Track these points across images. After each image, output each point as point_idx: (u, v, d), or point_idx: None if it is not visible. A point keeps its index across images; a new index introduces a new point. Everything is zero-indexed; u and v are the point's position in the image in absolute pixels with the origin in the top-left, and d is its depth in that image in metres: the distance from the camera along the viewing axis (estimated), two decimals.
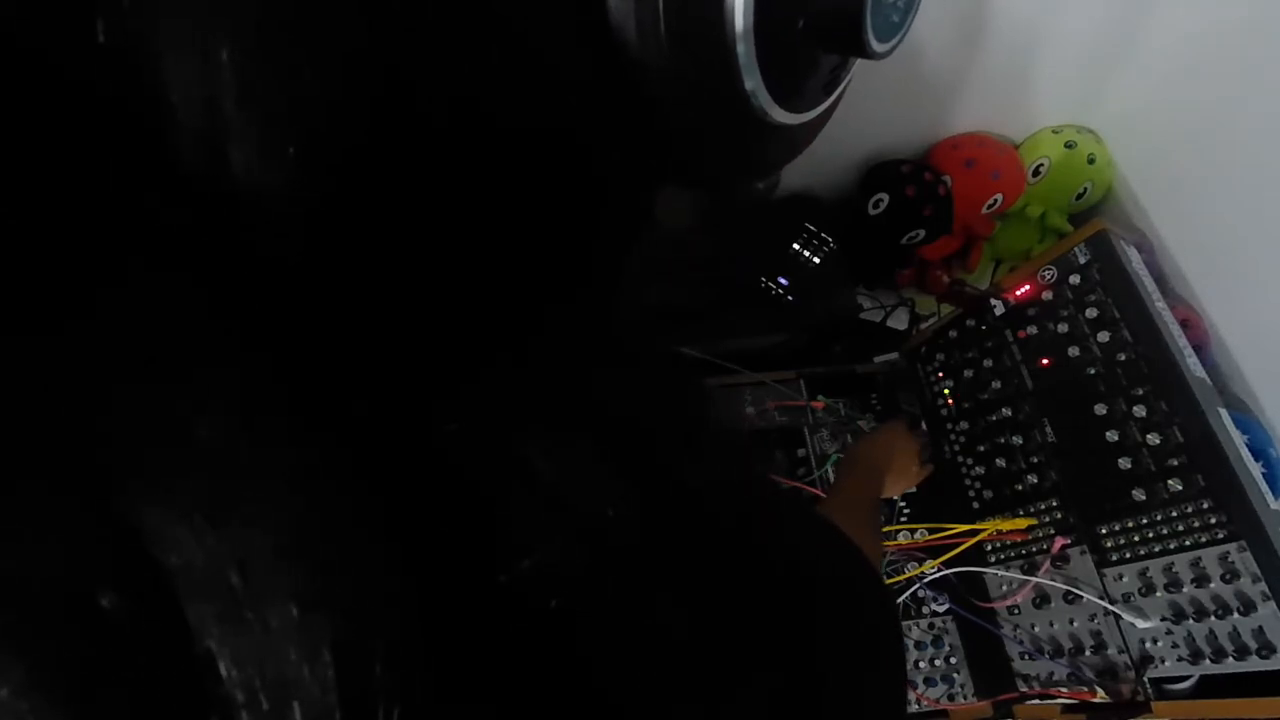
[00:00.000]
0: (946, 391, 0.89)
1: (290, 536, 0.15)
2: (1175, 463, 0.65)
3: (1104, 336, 0.72)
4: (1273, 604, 0.57)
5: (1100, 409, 0.71)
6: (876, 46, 0.24)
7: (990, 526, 0.79)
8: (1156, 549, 0.65)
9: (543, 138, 0.22)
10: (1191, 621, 0.62)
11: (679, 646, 0.22)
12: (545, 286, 0.24)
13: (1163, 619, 0.64)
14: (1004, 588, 0.78)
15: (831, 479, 0.87)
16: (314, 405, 0.17)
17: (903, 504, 0.85)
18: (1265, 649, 0.57)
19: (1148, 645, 0.65)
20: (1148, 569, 0.66)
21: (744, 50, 0.22)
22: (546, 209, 0.23)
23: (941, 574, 0.80)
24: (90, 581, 0.14)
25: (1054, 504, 0.75)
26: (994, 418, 0.82)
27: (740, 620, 0.25)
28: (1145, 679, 0.65)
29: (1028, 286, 0.80)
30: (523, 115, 0.21)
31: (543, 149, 0.22)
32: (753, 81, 0.23)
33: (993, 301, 0.83)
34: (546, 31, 0.21)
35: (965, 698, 0.77)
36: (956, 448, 0.87)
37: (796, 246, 0.93)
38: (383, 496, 0.17)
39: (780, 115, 0.24)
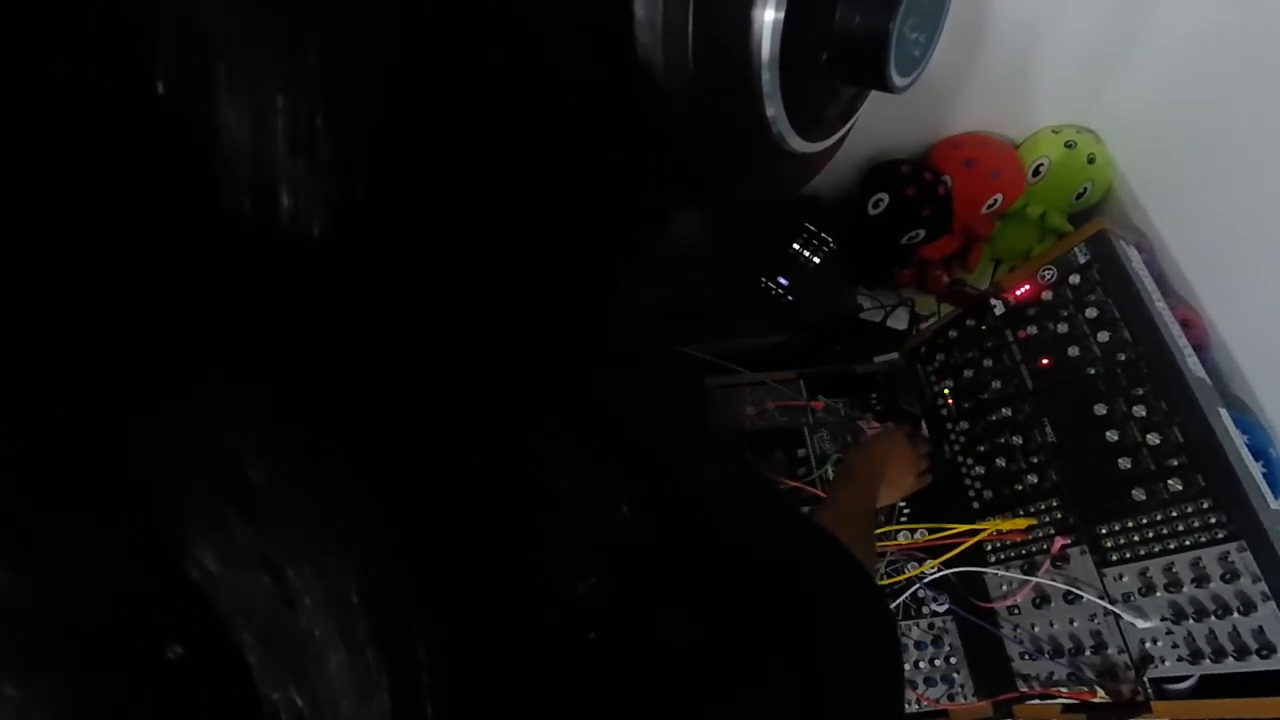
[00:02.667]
0: (946, 391, 0.89)
1: (345, 581, 0.15)
2: (1175, 463, 0.65)
3: (1104, 336, 0.72)
4: (1273, 604, 0.57)
5: (1100, 409, 0.71)
6: (898, 80, 0.25)
7: (990, 526, 0.79)
8: (1156, 549, 0.65)
9: (557, 150, 0.22)
10: (1191, 621, 0.62)
11: (694, 658, 0.22)
12: (556, 294, 0.24)
13: (1163, 619, 0.64)
14: (1004, 588, 0.78)
15: (831, 479, 0.87)
16: (352, 439, 0.17)
17: (903, 504, 0.85)
18: (1265, 649, 0.57)
19: (1148, 645, 0.65)
20: (1148, 569, 0.66)
21: (768, 79, 0.22)
22: (558, 219, 0.23)
23: (941, 574, 0.80)
24: (156, 633, 0.14)
25: (1054, 504, 0.75)
26: (994, 418, 0.82)
27: (748, 629, 0.25)
28: (1145, 679, 0.65)
29: (1028, 286, 0.80)
30: (537, 126, 0.21)
31: (556, 160, 0.22)
32: (774, 109, 0.23)
33: (993, 301, 0.83)
34: (568, 49, 0.21)
35: (965, 698, 0.77)
36: (956, 448, 0.86)
37: (796, 246, 0.93)
38: (422, 533, 0.18)
39: (797, 143, 0.25)
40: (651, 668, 0.21)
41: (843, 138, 0.28)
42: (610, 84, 0.22)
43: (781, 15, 0.21)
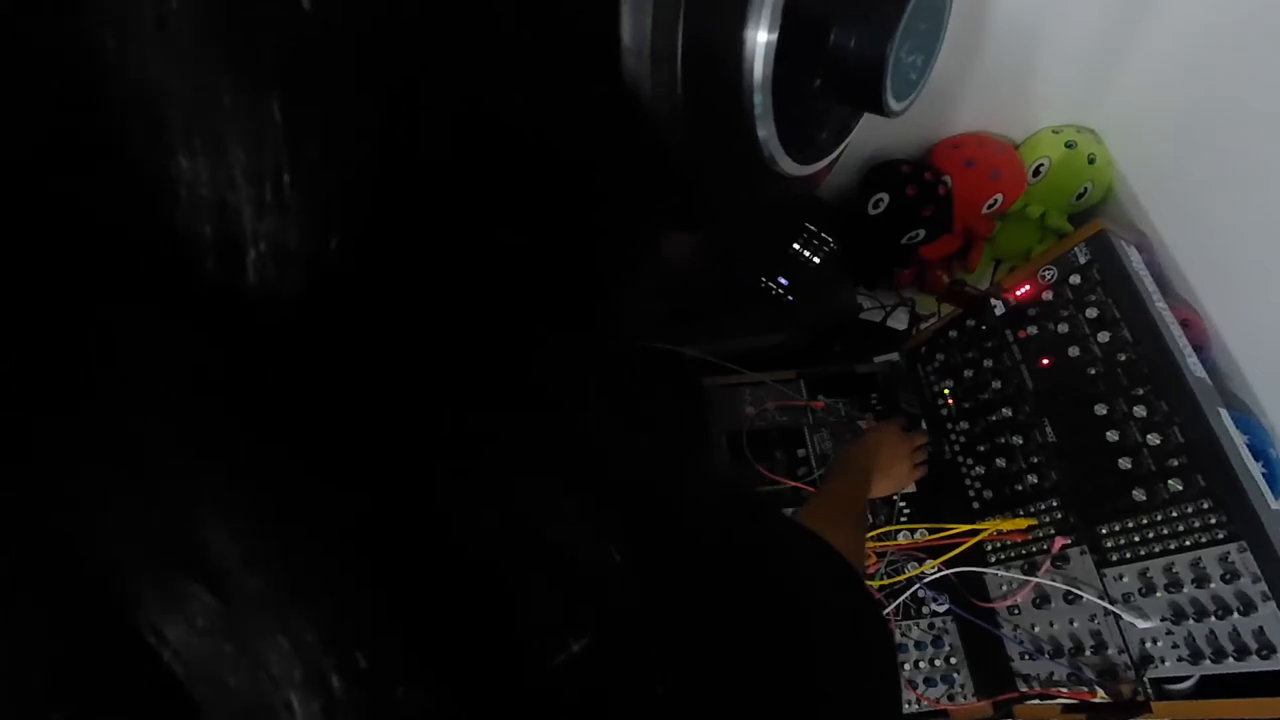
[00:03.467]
0: (946, 391, 0.89)
1: (324, 658, 0.14)
2: (1175, 463, 0.65)
3: (1104, 336, 0.72)
4: (1273, 604, 0.57)
5: (1100, 409, 0.71)
6: (894, 105, 0.24)
7: (990, 526, 0.79)
8: (1156, 549, 0.65)
9: (546, 165, 0.21)
10: (1191, 621, 0.62)
11: (690, 684, 0.22)
12: (546, 322, 0.24)
13: (1163, 619, 0.64)
14: (1004, 588, 0.78)
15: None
16: (328, 499, 0.16)
17: (903, 504, 0.86)
18: (1265, 649, 0.58)
19: (1148, 645, 0.65)
20: (1148, 569, 0.66)
21: (760, 101, 0.22)
22: (550, 242, 0.23)
23: (941, 574, 0.80)
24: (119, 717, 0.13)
25: (1054, 504, 0.75)
26: (994, 418, 0.82)
27: (745, 647, 0.25)
28: (1145, 679, 0.65)
29: (1028, 286, 0.81)
30: (523, 146, 0.21)
31: (547, 180, 0.22)
32: (766, 131, 0.23)
33: (993, 301, 0.84)
34: (554, 71, 0.21)
35: (965, 698, 0.77)
36: (956, 448, 0.87)
37: (796, 246, 0.93)
38: (405, 599, 0.16)
39: (789, 166, 0.25)
40: (645, 699, 0.21)
41: (835, 159, 0.28)
42: (598, 107, 0.22)
43: (775, 37, 0.20)
